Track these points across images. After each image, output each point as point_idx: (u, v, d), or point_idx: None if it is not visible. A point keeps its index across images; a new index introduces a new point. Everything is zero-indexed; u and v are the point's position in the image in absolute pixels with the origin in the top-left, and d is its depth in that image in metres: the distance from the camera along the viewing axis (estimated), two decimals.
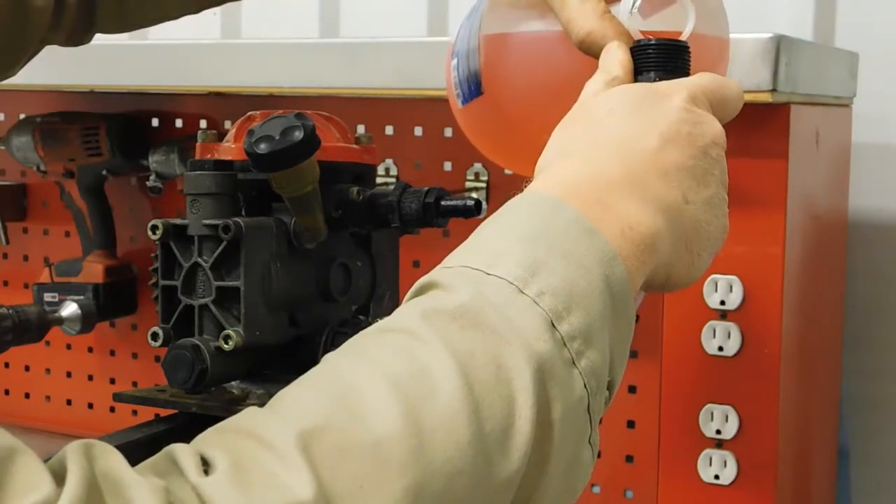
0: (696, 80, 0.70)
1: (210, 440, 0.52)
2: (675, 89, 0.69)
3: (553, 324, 0.57)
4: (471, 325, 0.56)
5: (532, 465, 0.56)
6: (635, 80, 0.72)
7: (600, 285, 0.60)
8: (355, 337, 0.59)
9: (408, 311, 0.59)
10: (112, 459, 0.49)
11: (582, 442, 0.59)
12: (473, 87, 0.81)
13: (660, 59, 0.72)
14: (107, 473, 0.48)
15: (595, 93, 0.70)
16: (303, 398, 0.54)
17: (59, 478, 0.46)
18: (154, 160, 1.39)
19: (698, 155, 0.67)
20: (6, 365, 1.59)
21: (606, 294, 0.60)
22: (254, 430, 0.52)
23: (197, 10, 1.03)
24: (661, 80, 0.71)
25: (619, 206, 0.63)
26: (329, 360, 0.58)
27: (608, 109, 0.68)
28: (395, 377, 0.54)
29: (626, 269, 0.61)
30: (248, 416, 0.54)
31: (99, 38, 1.01)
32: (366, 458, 0.51)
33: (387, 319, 0.60)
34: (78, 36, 0.98)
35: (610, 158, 0.65)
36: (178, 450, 0.51)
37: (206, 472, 0.49)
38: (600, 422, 0.62)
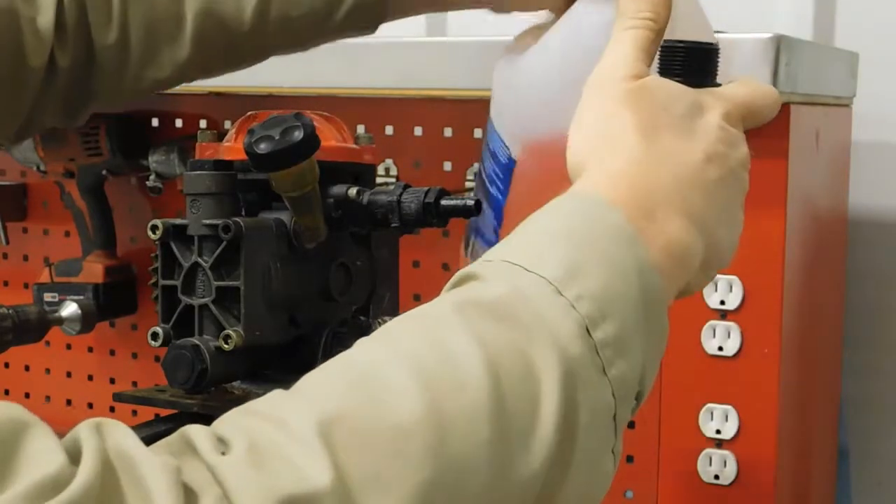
0: (732, 95, 0.69)
1: (230, 421, 0.51)
2: (713, 104, 0.68)
3: (588, 329, 0.57)
4: (504, 320, 0.56)
5: (554, 469, 0.55)
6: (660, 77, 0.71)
7: (637, 295, 0.60)
8: (390, 322, 0.59)
9: (442, 301, 0.58)
10: (124, 437, 0.48)
11: (605, 450, 0.58)
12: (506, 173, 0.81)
13: (687, 63, 0.70)
14: (119, 451, 0.47)
15: (635, 74, 0.67)
16: (328, 383, 0.53)
17: (73, 456, 0.46)
18: (154, 160, 1.39)
19: (729, 176, 0.67)
20: (6, 365, 1.59)
21: (641, 305, 0.60)
22: (274, 413, 0.51)
23: (204, 77, 0.94)
24: (689, 85, 0.69)
25: (666, 220, 0.63)
26: (361, 343, 0.57)
27: (662, 108, 0.66)
28: (423, 367, 0.53)
29: (663, 282, 0.61)
30: (272, 399, 0.53)
31: None
32: (385, 448, 0.50)
33: (422, 307, 0.59)
34: (72, 106, 0.91)
35: (662, 167, 0.64)
36: (194, 430, 0.50)
37: (224, 453, 0.49)
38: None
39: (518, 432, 0.53)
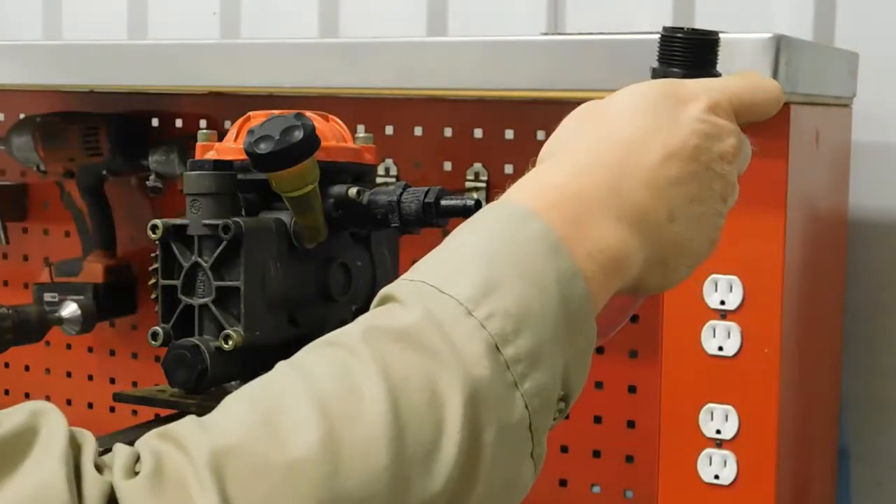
0: (724, 85, 0.69)
1: (150, 442, 0.54)
2: (697, 94, 0.67)
3: (497, 347, 0.57)
4: (412, 348, 0.57)
5: (459, 486, 0.56)
6: (659, 67, 0.70)
7: (555, 305, 0.60)
8: (307, 347, 0.60)
9: (355, 327, 0.59)
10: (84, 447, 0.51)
11: (522, 458, 0.59)
12: None
13: (686, 53, 0.69)
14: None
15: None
16: (235, 411, 0.55)
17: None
18: (154, 160, 1.39)
19: (699, 171, 0.66)
20: (6, 365, 1.59)
21: (562, 313, 0.60)
22: (181, 439, 0.53)
23: None
24: (685, 76, 0.69)
25: (595, 227, 0.62)
26: (277, 368, 0.58)
27: (620, 108, 0.67)
28: (324, 397, 0.54)
29: (589, 287, 0.61)
30: (184, 424, 0.54)
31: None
32: (276, 480, 0.51)
33: (336, 332, 0.60)
34: None
35: (601, 169, 0.64)
36: (120, 448, 0.53)
37: (137, 473, 0.51)
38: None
39: (418, 457, 0.54)
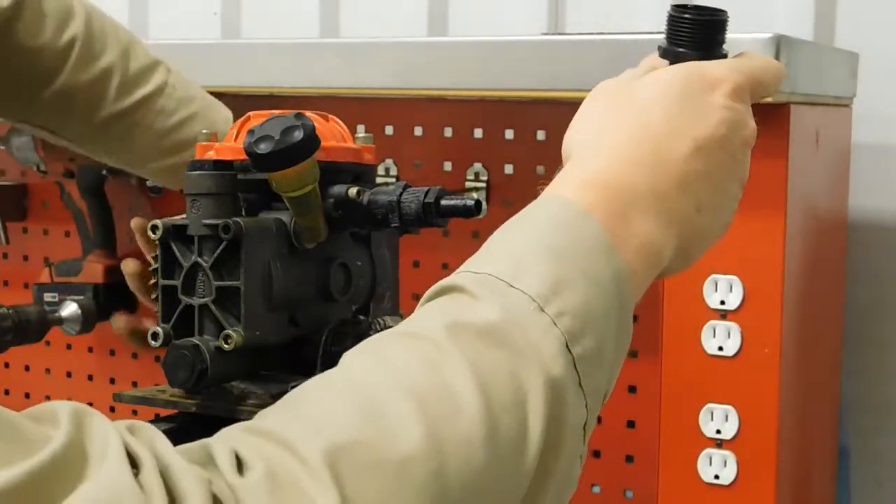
0: (742, 66, 0.69)
1: (243, 442, 0.51)
2: (722, 78, 0.68)
3: (567, 346, 0.57)
4: (495, 345, 0.56)
5: (537, 485, 0.56)
6: (668, 47, 0.70)
7: (614, 307, 0.60)
8: (377, 338, 0.59)
9: (433, 320, 0.58)
10: (159, 442, 0.49)
11: (575, 459, 0.59)
12: None
13: (694, 33, 0.69)
14: (155, 454, 0.48)
15: (634, 76, 0.70)
16: (330, 408, 0.53)
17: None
18: None
19: (724, 160, 0.67)
20: (6, 365, 1.59)
21: (616, 315, 0.60)
22: (284, 438, 0.51)
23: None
24: (695, 57, 0.68)
25: (639, 222, 0.63)
26: (352, 363, 0.57)
27: (652, 96, 0.67)
28: (420, 393, 0.53)
29: (635, 286, 0.62)
30: (279, 422, 0.53)
31: None
32: (389, 477, 0.50)
33: (410, 324, 0.59)
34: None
35: (640, 165, 0.65)
36: (215, 445, 0.50)
37: (242, 474, 0.49)
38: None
39: (508, 455, 0.54)
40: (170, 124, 1.09)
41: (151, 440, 0.49)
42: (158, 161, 1.10)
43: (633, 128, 0.66)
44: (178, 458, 0.48)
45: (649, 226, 0.63)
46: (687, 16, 0.69)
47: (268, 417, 0.54)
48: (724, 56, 0.71)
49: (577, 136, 0.68)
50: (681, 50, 0.69)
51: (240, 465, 0.49)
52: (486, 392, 0.54)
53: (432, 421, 0.52)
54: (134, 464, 0.47)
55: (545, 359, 0.56)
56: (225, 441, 0.51)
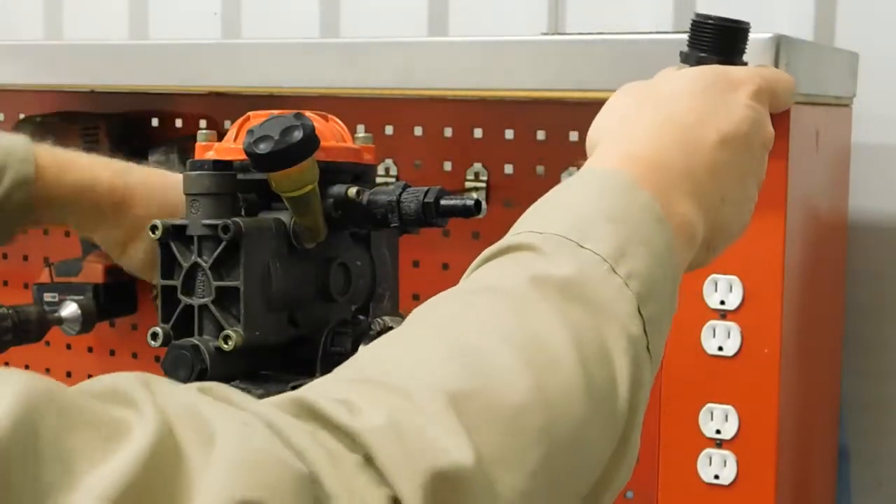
0: (762, 73, 0.70)
1: (354, 390, 0.48)
2: (745, 79, 0.69)
3: (639, 308, 0.57)
4: (577, 300, 0.55)
5: (620, 445, 0.56)
6: (690, 52, 0.72)
7: (670, 276, 0.60)
8: (457, 293, 0.57)
9: (513, 273, 0.57)
10: (244, 398, 0.46)
11: (640, 426, 0.58)
12: None
13: (717, 39, 0.70)
14: (257, 413, 0.45)
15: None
16: (435, 357, 0.51)
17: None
18: (154, 160, 1.39)
19: (747, 156, 0.68)
20: (6, 365, 1.59)
21: (671, 285, 0.61)
22: (396, 384, 0.49)
23: None
24: (718, 62, 0.70)
25: (678, 202, 0.63)
26: (431, 317, 0.55)
27: (678, 89, 0.68)
28: (520, 345, 0.52)
29: (682, 260, 0.63)
30: (383, 371, 0.50)
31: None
32: (507, 426, 0.49)
33: (481, 280, 0.58)
34: None
35: (673, 147, 0.65)
36: (310, 395, 0.47)
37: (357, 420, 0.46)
38: None
39: (603, 410, 0.54)
40: None
41: (228, 396, 0.46)
42: None
43: (661, 115, 0.66)
44: (277, 411, 0.45)
45: (686, 206, 0.63)
46: (711, 21, 0.71)
47: (364, 369, 0.52)
48: (744, 65, 0.72)
49: (604, 126, 0.68)
50: (703, 54, 0.71)
51: (358, 411, 0.47)
52: (579, 345, 0.54)
53: (535, 372, 0.51)
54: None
55: (622, 318, 0.56)
56: (321, 393, 0.48)
